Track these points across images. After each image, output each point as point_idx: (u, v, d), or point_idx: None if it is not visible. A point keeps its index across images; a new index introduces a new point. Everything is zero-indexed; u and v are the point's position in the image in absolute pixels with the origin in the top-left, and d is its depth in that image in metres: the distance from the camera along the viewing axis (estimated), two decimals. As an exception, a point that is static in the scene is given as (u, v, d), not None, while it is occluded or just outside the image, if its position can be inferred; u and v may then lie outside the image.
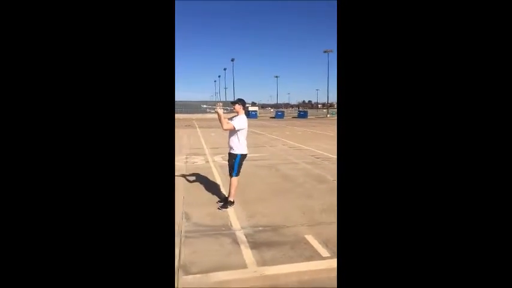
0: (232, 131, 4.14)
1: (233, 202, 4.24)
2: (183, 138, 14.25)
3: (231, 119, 4.22)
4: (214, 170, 6.79)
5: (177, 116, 40.31)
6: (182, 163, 7.70)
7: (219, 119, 4.08)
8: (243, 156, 4.22)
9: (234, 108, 4.24)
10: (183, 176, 6.12)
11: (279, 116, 42.30)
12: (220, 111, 4.10)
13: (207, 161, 7.93)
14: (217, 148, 10.32)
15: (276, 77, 60.46)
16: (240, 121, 4.14)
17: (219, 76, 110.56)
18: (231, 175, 4.22)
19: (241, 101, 4.29)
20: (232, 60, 51.29)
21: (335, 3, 1.51)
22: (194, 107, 44.58)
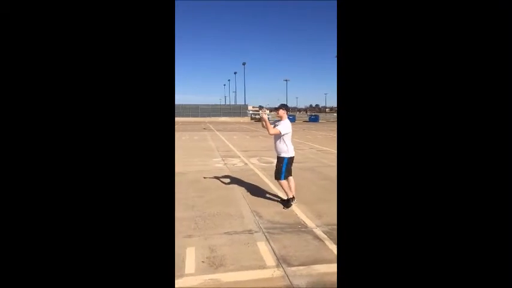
0: (278, 136, 4.28)
1: (294, 198, 4.43)
2: (208, 140, 14.48)
3: (274, 124, 4.37)
4: (257, 171, 6.97)
5: (189, 119, 40.88)
6: (221, 165, 7.91)
7: (265, 124, 4.26)
8: (290, 159, 4.38)
9: (278, 113, 4.38)
10: (226, 176, 6.32)
11: (291, 119, 41.89)
12: (265, 116, 4.29)
13: (246, 163, 8.12)
14: (248, 151, 10.52)
15: (286, 80, 60.53)
16: (285, 126, 4.29)
17: (229, 80, 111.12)
18: (277, 178, 4.37)
19: (285, 106, 4.43)
20: (244, 64, 51.60)
21: (335, 3, 1.51)
22: (205, 111, 45.04)
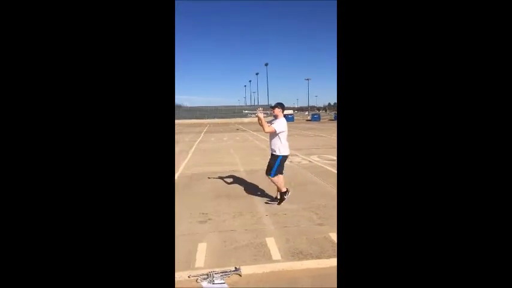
0: (273, 134, 4.39)
1: (288, 191, 4.56)
2: (251, 140, 14.89)
3: (270, 122, 4.44)
4: (327, 168, 7.30)
5: (213, 120, 41.55)
6: (288, 162, 8.20)
7: (261, 123, 4.33)
8: (285, 157, 4.48)
9: (274, 112, 4.46)
10: (303, 172, 6.65)
11: (315, 118, 42.44)
12: (261, 115, 4.35)
13: (310, 161, 8.45)
14: (300, 149, 10.84)
15: (307, 79, 60.75)
16: (281, 124, 4.36)
17: (250, 81, 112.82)
18: (268, 174, 4.46)
19: (280, 105, 4.51)
20: (266, 65, 52.23)
21: (335, 3, 1.52)
22: (228, 112, 45.59)
